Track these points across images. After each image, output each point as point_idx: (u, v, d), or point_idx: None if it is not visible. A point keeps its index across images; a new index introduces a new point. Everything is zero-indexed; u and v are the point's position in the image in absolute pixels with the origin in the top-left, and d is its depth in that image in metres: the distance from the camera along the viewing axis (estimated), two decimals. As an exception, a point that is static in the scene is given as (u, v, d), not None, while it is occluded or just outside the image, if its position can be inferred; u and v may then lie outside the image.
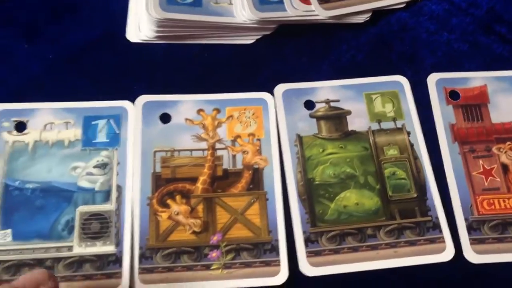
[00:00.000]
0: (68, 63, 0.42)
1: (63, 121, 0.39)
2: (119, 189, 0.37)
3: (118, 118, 0.39)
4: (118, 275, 0.35)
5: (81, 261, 0.35)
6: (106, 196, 0.37)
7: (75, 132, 0.39)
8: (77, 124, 0.39)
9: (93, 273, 0.35)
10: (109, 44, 0.42)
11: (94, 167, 0.38)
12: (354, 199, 0.38)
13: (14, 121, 0.39)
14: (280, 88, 0.41)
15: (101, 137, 0.39)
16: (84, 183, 0.37)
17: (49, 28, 0.43)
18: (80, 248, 0.35)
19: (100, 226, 0.36)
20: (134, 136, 0.39)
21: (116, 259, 0.35)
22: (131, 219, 0.36)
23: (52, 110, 0.39)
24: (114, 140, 0.39)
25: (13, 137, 0.38)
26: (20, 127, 0.39)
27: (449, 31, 0.45)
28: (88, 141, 0.38)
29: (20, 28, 0.43)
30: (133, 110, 0.39)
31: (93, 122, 0.39)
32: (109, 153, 0.38)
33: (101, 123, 0.39)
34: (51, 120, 0.39)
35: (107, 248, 0.35)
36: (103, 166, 0.38)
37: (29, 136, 0.38)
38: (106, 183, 0.37)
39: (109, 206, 0.37)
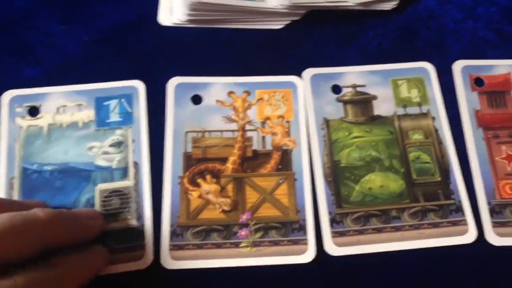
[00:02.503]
0: (102, 45, 0.43)
1: (75, 103, 0.40)
2: (136, 165, 0.38)
3: (129, 97, 0.40)
4: (141, 247, 0.36)
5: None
6: (123, 173, 0.38)
7: (88, 114, 0.39)
8: (90, 106, 0.40)
9: (117, 247, 0.36)
10: (141, 27, 0.43)
11: (110, 146, 0.39)
12: (379, 182, 0.39)
13: (27, 106, 0.40)
14: (308, 72, 0.42)
15: (114, 117, 0.40)
16: (101, 162, 0.38)
17: (83, 10, 0.44)
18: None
19: (120, 202, 0.37)
20: (167, 117, 0.40)
21: (139, 233, 0.36)
22: (150, 193, 0.37)
23: (63, 93, 0.40)
24: (127, 119, 0.40)
25: (27, 121, 0.39)
26: (33, 111, 0.40)
27: (475, 20, 0.46)
28: (102, 121, 0.39)
29: (56, 9, 0.44)
30: (166, 92, 0.41)
31: (105, 103, 0.40)
32: (123, 132, 0.39)
33: (113, 103, 0.40)
34: (64, 103, 0.40)
35: (129, 222, 0.37)
36: (118, 144, 0.39)
37: (43, 120, 0.39)
38: (123, 160, 0.38)
39: (128, 182, 0.38)
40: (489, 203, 0.38)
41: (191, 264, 0.36)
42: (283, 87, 0.42)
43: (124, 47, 0.43)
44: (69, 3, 0.44)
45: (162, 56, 0.42)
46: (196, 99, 0.41)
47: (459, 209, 0.38)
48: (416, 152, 0.40)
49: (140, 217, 0.37)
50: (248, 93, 0.41)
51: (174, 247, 0.36)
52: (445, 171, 0.39)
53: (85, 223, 0.34)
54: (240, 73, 0.42)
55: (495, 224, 0.38)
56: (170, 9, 0.43)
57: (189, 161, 0.39)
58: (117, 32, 0.43)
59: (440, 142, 0.40)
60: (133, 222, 0.37)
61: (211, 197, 0.38)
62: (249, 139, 0.40)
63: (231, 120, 0.40)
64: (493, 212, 0.38)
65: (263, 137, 0.40)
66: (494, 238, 0.37)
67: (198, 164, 0.39)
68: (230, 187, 0.38)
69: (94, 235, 0.34)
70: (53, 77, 0.41)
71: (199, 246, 0.36)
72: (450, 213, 0.38)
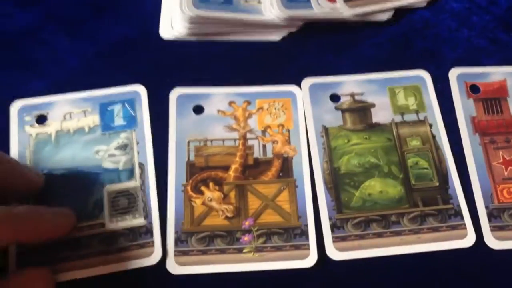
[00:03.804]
0: (105, 59, 0.44)
1: (81, 109, 0.41)
2: (142, 166, 0.39)
3: (132, 101, 0.41)
4: (150, 244, 0.37)
5: (114, 235, 0.37)
6: (130, 174, 0.39)
7: (93, 119, 0.41)
8: (94, 111, 0.41)
9: (127, 245, 0.37)
10: (144, 41, 0.44)
11: (116, 148, 0.40)
12: (378, 187, 0.40)
13: (35, 115, 0.41)
14: (307, 82, 0.43)
15: (118, 121, 0.41)
16: (108, 164, 0.39)
17: (87, 25, 0.45)
18: (111, 224, 0.38)
19: (128, 202, 0.38)
20: (170, 127, 0.41)
21: (146, 230, 0.37)
22: (156, 192, 0.38)
23: (69, 101, 0.41)
24: (131, 122, 0.41)
25: (35, 129, 0.41)
26: (41, 119, 0.41)
27: (469, 28, 0.47)
28: (107, 125, 0.41)
29: (62, 24, 0.45)
30: (169, 102, 0.42)
31: (109, 108, 0.41)
32: (127, 135, 0.40)
33: (117, 107, 0.41)
34: (70, 110, 0.41)
35: (137, 221, 0.38)
36: (123, 147, 0.40)
37: (51, 127, 0.41)
38: (129, 162, 0.40)
39: (134, 183, 0.39)
40: (487, 207, 0.39)
41: (195, 269, 0.36)
42: (282, 96, 0.43)
43: (127, 61, 0.44)
44: (74, 18, 0.46)
45: (164, 68, 0.44)
46: (198, 109, 0.42)
47: (458, 214, 0.39)
48: (414, 158, 0.41)
49: (147, 215, 0.38)
50: (248, 102, 0.42)
51: (179, 253, 0.37)
52: (443, 176, 0.40)
53: (58, 220, 0.35)
54: (240, 84, 0.43)
55: (494, 228, 0.38)
56: (170, 23, 0.44)
57: (192, 169, 0.39)
58: (120, 46, 0.44)
59: (437, 148, 0.41)
60: (141, 221, 0.38)
61: (214, 204, 0.38)
62: (250, 148, 0.40)
63: (232, 129, 0.41)
64: (491, 216, 0.39)
65: (264, 145, 0.41)
66: (492, 242, 0.38)
67: (201, 172, 0.39)
68: (232, 194, 0.39)
69: (66, 232, 0.35)
70: (58, 91, 0.42)
71: (203, 252, 0.37)
72: (449, 218, 0.39)
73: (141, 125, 0.41)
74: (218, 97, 0.42)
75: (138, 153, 0.40)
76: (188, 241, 0.37)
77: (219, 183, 0.39)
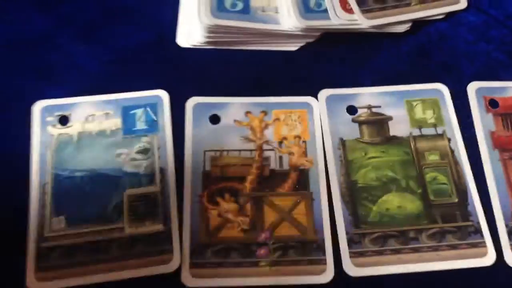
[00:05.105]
0: (121, 65, 0.43)
1: (103, 112, 0.41)
2: (162, 171, 0.39)
3: (154, 106, 0.41)
4: (169, 251, 0.36)
5: (133, 241, 0.37)
6: (150, 178, 0.39)
7: (115, 122, 0.41)
8: (117, 114, 0.41)
9: (146, 251, 0.36)
10: (160, 48, 0.44)
11: (137, 152, 0.40)
12: (396, 202, 0.39)
13: (57, 115, 0.41)
14: (324, 93, 0.43)
15: (140, 125, 0.41)
16: (129, 168, 0.39)
17: (104, 30, 0.45)
18: (130, 229, 0.37)
19: (148, 207, 0.38)
20: (186, 136, 0.40)
21: (166, 237, 0.37)
22: (175, 198, 0.38)
23: (91, 103, 0.41)
24: (153, 126, 0.41)
25: (58, 130, 0.40)
26: (63, 120, 0.41)
27: (487, 42, 0.46)
28: (128, 129, 0.40)
29: (78, 30, 0.45)
30: (184, 111, 0.41)
31: (131, 112, 0.41)
32: (149, 139, 0.40)
33: (139, 111, 0.41)
34: (92, 112, 0.41)
35: (156, 227, 0.37)
36: (145, 151, 0.40)
37: (73, 128, 0.40)
38: (150, 166, 0.39)
39: (155, 188, 0.38)
40: (507, 225, 0.38)
41: (211, 282, 0.36)
42: (299, 107, 0.42)
43: (143, 68, 0.43)
44: (91, 24, 0.45)
45: (180, 77, 0.43)
46: (214, 119, 0.41)
47: (478, 231, 0.38)
48: (433, 173, 0.40)
49: (166, 221, 0.37)
50: (265, 113, 0.41)
51: (194, 265, 0.36)
52: (463, 193, 0.39)
53: None
54: (257, 94, 0.42)
55: (514, 246, 0.38)
56: (188, 31, 0.44)
57: (207, 179, 0.39)
58: (136, 53, 0.44)
59: (456, 163, 0.40)
60: (160, 227, 0.37)
61: (230, 215, 0.38)
62: (267, 159, 0.40)
63: (249, 140, 0.40)
64: (511, 234, 0.38)
65: (281, 157, 0.40)
66: (513, 260, 0.37)
67: (217, 183, 0.39)
68: (248, 206, 0.38)
69: None
70: (74, 96, 0.41)
71: (219, 264, 0.36)
72: (469, 235, 0.38)
73: (163, 130, 0.40)
74: (234, 106, 0.42)
75: (159, 157, 0.39)
76: (204, 253, 0.36)
77: (235, 194, 0.38)
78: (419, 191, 0.39)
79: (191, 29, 0.44)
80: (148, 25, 0.45)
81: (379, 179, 0.40)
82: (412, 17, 0.46)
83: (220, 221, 0.37)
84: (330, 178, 0.39)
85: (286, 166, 0.40)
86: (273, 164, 0.40)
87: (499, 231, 0.38)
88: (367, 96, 0.43)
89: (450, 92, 0.43)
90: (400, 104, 0.43)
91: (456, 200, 0.39)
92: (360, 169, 0.40)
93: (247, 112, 0.41)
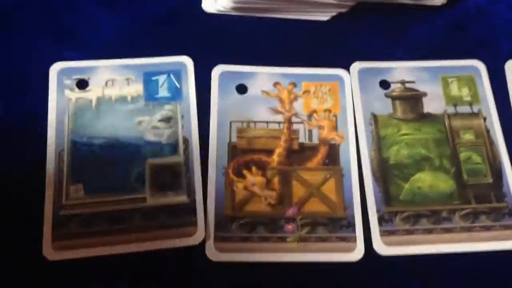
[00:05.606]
0: (145, 30, 0.42)
1: (124, 77, 0.39)
2: (186, 141, 0.37)
3: (178, 73, 0.39)
4: (194, 223, 0.35)
5: (156, 211, 0.35)
6: (173, 148, 0.37)
7: (136, 88, 0.39)
8: (138, 80, 0.39)
9: (169, 223, 0.35)
10: (185, 14, 0.42)
11: (159, 120, 0.38)
12: (428, 181, 0.37)
13: (75, 78, 0.39)
14: (356, 66, 0.41)
15: (163, 92, 0.39)
16: (150, 137, 0.37)
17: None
18: (152, 199, 0.35)
19: (171, 178, 0.36)
20: (211, 106, 0.39)
21: (189, 209, 0.35)
22: (200, 169, 0.36)
23: (112, 67, 0.39)
24: (176, 94, 0.39)
25: (75, 94, 0.38)
26: (82, 84, 0.39)
27: (526, 19, 0.44)
28: (150, 96, 0.39)
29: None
30: (210, 80, 0.39)
31: (153, 78, 0.39)
32: (172, 107, 0.38)
33: (162, 78, 0.39)
34: (112, 77, 0.39)
35: (180, 198, 0.36)
36: (167, 119, 0.38)
37: (92, 93, 0.38)
38: (173, 135, 0.37)
39: (178, 158, 0.37)
40: (542, 208, 0.37)
41: (236, 257, 0.34)
42: (329, 80, 0.40)
43: (167, 34, 0.41)
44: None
45: (206, 44, 0.41)
46: (241, 89, 0.39)
47: (512, 213, 0.36)
48: (467, 152, 0.38)
49: (190, 193, 0.36)
50: (294, 84, 0.40)
51: (219, 239, 0.35)
52: (497, 173, 0.38)
53: None
54: (285, 64, 0.40)
55: (550, 230, 0.36)
56: (214, -5, 0.42)
57: (234, 151, 0.37)
58: (159, 17, 0.42)
59: (492, 143, 0.39)
60: (184, 198, 0.36)
61: (256, 189, 0.36)
62: (296, 132, 0.38)
63: (277, 111, 0.39)
64: (546, 217, 0.37)
65: (310, 131, 0.38)
66: (548, 244, 0.36)
67: (243, 155, 0.37)
68: (276, 180, 0.37)
69: None
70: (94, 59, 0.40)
71: (245, 239, 0.35)
72: (503, 217, 0.36)
73: (187, 98, 0.39)
74: (262, 76, 0.40)
75: (182, 127, 0.38)
76: (229, 227, 0.35)
77: (262, 167, 0.37)
78: (453, 170, 0.38)
79: (219, -6, 0.42)
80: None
81: (411, 157, 0.38)
82: (450, -11, 0.43)
83: (246, 195, 0.36)
84: (361, 154, 0.38)
85: (315, 140, 0.38)
86: (302, 138, 0.38)
87: (536, 214, 0.37)
88: (401, 70, 0.41)
89: (487, 70, 0.41)
90: (435, 80, 0.41)
91: (491, 180, 0.38)
92: (393, 145, 0.38)
93: (276, 83, 0.40)
